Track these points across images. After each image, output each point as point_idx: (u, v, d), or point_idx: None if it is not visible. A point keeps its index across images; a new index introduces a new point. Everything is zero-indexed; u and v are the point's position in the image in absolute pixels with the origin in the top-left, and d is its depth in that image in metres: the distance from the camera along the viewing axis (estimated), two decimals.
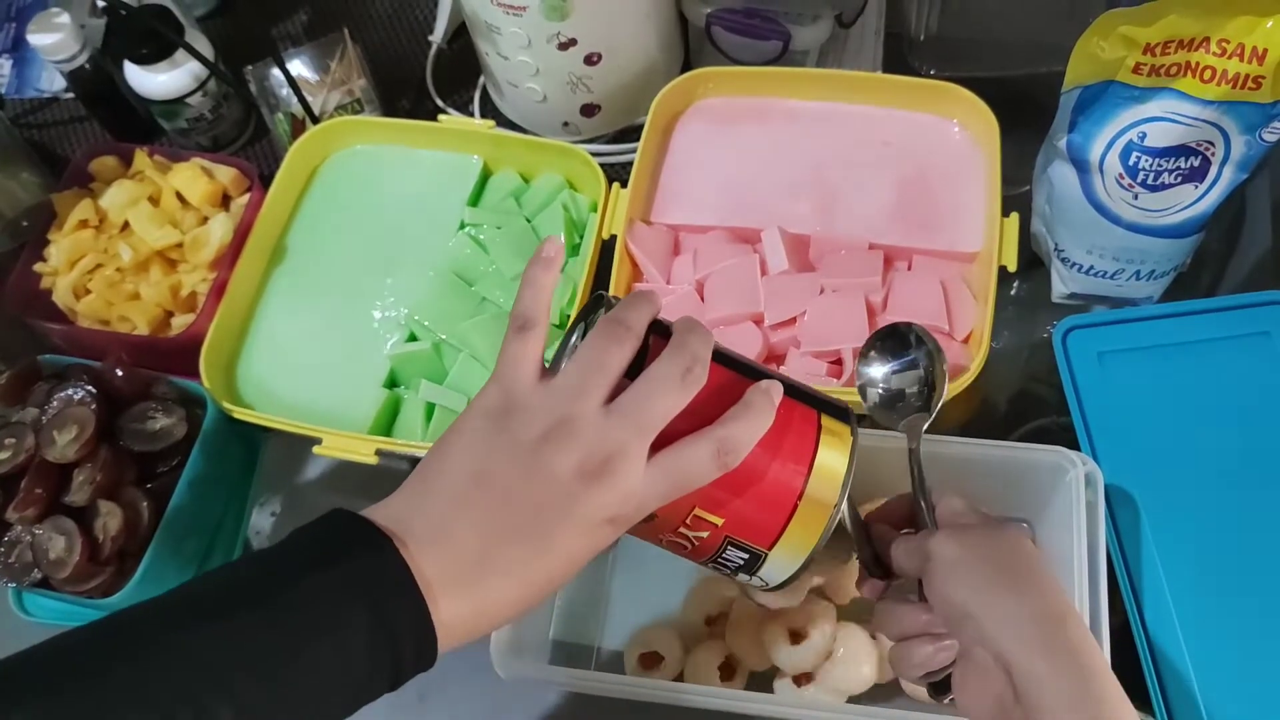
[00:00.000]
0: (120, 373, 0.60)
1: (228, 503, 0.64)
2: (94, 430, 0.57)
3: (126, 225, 0.69)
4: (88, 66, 0.74)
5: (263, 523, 0.66)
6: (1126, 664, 0.51)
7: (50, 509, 0.56)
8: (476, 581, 0.33)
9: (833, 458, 0.39)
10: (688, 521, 0.37)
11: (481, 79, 0.78)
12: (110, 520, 0.56)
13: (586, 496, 0.33)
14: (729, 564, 0.39)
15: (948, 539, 0.41)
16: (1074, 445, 0.56)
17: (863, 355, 0.48)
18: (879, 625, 0.44)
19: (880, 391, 0.47)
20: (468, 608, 0.33)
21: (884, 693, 0.55)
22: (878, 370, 0.48)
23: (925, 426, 0.47)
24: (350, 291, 0.66)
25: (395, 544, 0.33)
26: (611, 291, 0.60)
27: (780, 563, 0.39)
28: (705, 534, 0.37)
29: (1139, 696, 0.53)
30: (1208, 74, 0.52)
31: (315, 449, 0.59)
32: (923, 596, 0.42)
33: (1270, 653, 0.52)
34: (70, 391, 0.59)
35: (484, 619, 0.34)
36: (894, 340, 0.47)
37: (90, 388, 0.59)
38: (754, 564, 0.39)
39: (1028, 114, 0.61)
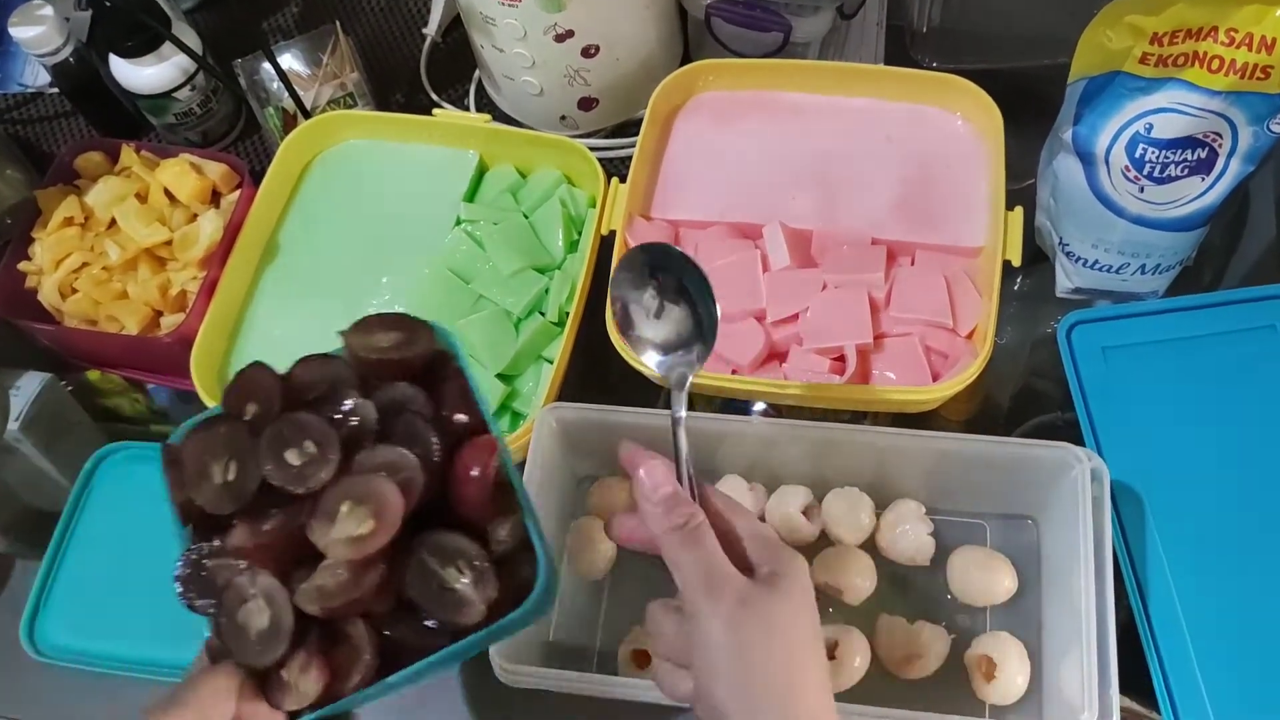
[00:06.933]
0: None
1: None
2: (394, 526, 0.35)
3: (113, 223, 0.68)
4: (72, 60, 0.73)
5: None
6: (1131, 659, 0.51)
7: (290, 570, 0.37)
8: None
9: None
10: None
11: (477, 72, 0.77)
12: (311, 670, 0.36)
13: None
14: None
15: (714, 619, 0.36)
16: (1079, 441, 0.56)
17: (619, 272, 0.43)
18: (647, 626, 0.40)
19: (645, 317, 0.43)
20: None
21: (875, 691, 0.54)
22: (641, 293, 0.43)
23: (689, 382, 0.41)
24: (344, 289, 0.65)
25: None
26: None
27: None
28: None
29: (1144, 692, 0.52)
30: (1216, 64, 0.51)
31: None
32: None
33: (1274, 647, 0.52)
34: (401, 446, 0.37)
35: None
36: (660, 270, 0.43)
37: (433, 443, 0.37)
38: None
39: (1031, 106, 0.61)
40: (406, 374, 0.39)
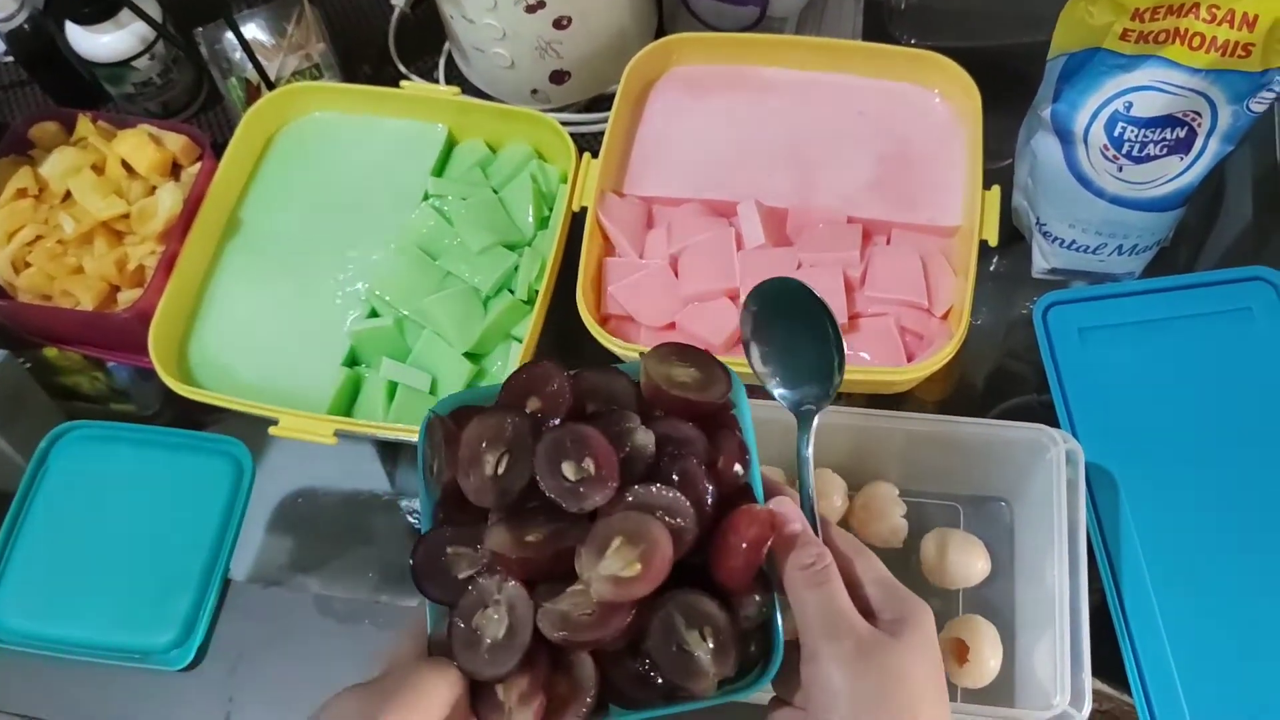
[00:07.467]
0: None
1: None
2: (658, 578, 0.33)
3: (69, 195, 0.66)
4: (27, 27, 0.71)
5: None
6: (1104, 643, 0.51)
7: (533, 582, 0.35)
8: None
9: None
10: None
11: (446, 44, 0.75)
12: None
13: None
14: None
15: (833, 663, 0.34)
16: (1054, 423, 0.56)
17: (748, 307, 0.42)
18: None
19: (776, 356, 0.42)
20: None
21: None
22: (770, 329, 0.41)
23: (816, 421, 0.40)
24: (308, 265, 0.64)
25: None
26: (581, 266, 0.58)
27: None
28: None
29: (1116, 675, 0.52)
30: (1197, 41, 0.51)
31: (271, 430, 0.56)
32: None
33: (1246, 631, 0.52)
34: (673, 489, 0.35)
35: None
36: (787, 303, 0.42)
37: (708, 498, 0.35)
38: None
39: (1010, 85, 0.60)
40: (692, 414, 0.37)
